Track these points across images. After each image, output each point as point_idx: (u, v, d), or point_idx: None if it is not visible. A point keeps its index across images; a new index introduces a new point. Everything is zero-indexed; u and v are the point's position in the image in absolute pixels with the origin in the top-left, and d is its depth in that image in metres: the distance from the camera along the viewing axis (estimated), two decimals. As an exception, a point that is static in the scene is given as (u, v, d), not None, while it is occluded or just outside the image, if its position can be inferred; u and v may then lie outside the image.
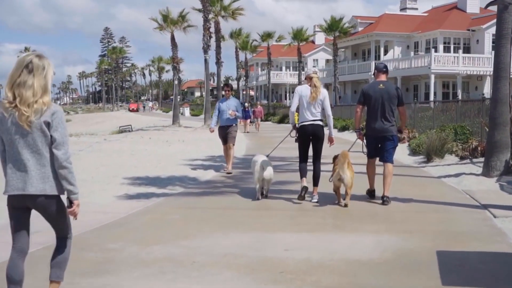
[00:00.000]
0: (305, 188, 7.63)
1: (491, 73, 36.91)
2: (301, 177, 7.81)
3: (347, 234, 5.92)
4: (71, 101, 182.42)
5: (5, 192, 3.30)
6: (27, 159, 3.25)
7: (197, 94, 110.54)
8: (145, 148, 18.42)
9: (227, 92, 11.75)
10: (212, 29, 34.61)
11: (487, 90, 36.45)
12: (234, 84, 60.40)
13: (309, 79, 7.76)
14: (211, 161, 14.21)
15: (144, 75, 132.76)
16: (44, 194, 3.27)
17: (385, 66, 8.05)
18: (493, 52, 36.67)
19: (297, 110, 7.98)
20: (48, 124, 3.24)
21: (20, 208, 3.33)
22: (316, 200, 7.74)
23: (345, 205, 7.35)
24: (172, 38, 36.29)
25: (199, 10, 33.36)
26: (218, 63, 35.68)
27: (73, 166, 3.34)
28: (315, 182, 7.83)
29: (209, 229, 6.19)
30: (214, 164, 13.41)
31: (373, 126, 7.69)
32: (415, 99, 36.59)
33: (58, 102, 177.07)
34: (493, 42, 37.05)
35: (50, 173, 3.28)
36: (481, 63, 36.52)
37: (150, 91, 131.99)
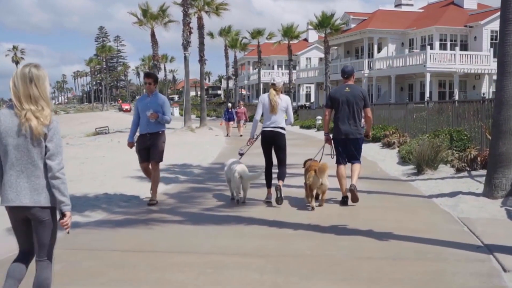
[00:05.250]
0: (268, 203, 7.89)
1: (490, 71, 35.34)
2: (267, 187, 8.11)
3: (285, 304, 3.94)
4: (66, 100, 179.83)
5: (1, 203, 3.32)
6: (21, 171, 3.24)
7: (193, 93, 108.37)
8: (103, 154, 16.42)
9: (148, 85, 8.26)
10: (195, 25, 32.71)
11: (485, 89, 34.61)
12: (224, 84, 58.49)
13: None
14: (168, 172, 12.19)
15: (138, 74, 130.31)
16: (38, 205, 3.25)
17: (346, 73, 7.95)
18: (491, 49, 34.98)
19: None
20: (45, 135, 3.24)
21: (19, 219, 3.33)
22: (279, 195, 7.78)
23: (320, 205, 7.61)
24: (152, 35, 34.25)
25: (180, 5, 31.33)
26: (202, 60, 33.61)
27: (66, 177, 3.32)
28: (280, 177, 7.91)
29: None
30: (168, 177, 11.41)
31: (340, 129, 7.80)
32: (408, 98, 34.75)
33: (53, 101, 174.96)
34: (491, 39, 35.52)
35: (44, 185, 3.27)
36: (479, 61, 34.62)
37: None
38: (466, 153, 10.90)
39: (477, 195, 8.08)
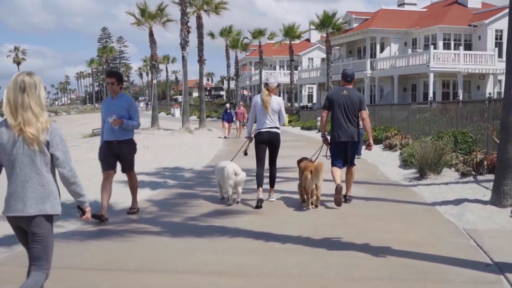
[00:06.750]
0: (260, 201, 7.73)
1: (495, 71, 34.59)
2: (258, 186, 7.90)
3: None
4: (69, 101, 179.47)
5: (4, 212, 3.33)
6: (26, 180, 3.25)
7: (195, 94, 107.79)
8: (94, 157, 15.76)
9: (111, 85, 7.18)
10: (194, 25, 32.16)
11: (490, 89, 33.90)
12: (225, 84, 57.92)
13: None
14: (157, 176, 11.62)
15: (141, 75, 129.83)
16: (44, 214, 3.27)
17: (349, 77, 7.97)
18: (496, 49, 34.17)
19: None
20: (47, 143, 3.25)
21: (21, 228, 3.34)
22: (273, 199, 8.21)
23: (316, 206, 7.55)
24: (151, 34, 33.67)
25: (178, 3, 30.76)
26: (201, 61, 32.97)
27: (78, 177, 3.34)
28: (271, 183, 8.22)
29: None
30: (157, 181, 10.84)
31: (337, 132, 7.79)
32: (411, 99, 34.04)
33: (56, 102, 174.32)
34: (496, 38, 34.82)
35: (49, 193, 3.29)
36: (484, 60, 33.88)
37: (147, 91, 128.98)
38: (472, 156, 10.27)
39: (484, 202, 7.45)
